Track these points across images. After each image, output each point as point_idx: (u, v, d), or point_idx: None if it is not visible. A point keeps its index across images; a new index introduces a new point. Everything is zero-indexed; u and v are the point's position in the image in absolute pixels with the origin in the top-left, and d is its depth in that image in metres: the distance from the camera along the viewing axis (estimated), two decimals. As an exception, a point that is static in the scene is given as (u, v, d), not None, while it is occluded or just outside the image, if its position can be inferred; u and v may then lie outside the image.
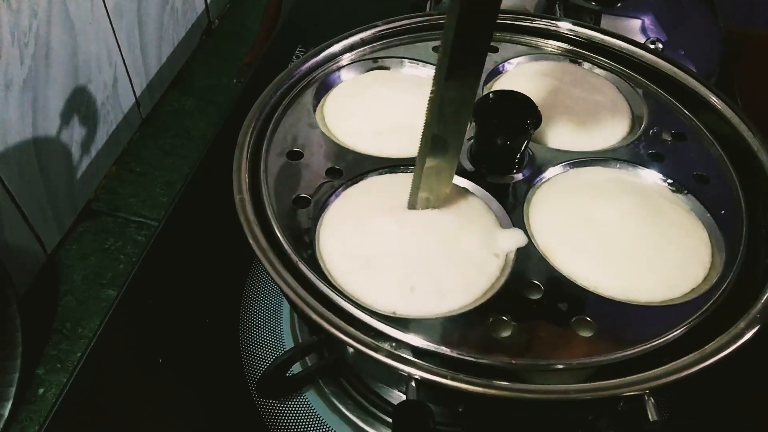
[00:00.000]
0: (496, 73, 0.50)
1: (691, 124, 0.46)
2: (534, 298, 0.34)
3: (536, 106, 0.39)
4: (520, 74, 0.49)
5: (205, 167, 0.64)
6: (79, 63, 0.68)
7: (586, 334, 0.33)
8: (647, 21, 0.70)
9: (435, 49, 0.50)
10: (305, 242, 0.37)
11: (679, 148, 0.44)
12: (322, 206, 0.39)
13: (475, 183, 0.40)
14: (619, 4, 0.69)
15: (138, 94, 0.81)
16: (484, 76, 0.48)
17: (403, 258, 0.36)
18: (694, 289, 0.36)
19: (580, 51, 0.52)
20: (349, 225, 0.37)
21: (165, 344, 0.51)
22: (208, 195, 0.63)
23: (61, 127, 0.67)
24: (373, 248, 0.36)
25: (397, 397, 0.48)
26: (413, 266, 0.35)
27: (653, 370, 0.30)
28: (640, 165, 0.43)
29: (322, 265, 0.36)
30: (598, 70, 0.51)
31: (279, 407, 0.48)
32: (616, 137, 0.45)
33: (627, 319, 0.34)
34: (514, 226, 0.38)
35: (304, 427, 0.47)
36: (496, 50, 0.51)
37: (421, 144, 0.36)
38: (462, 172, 0.41)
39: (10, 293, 0.57)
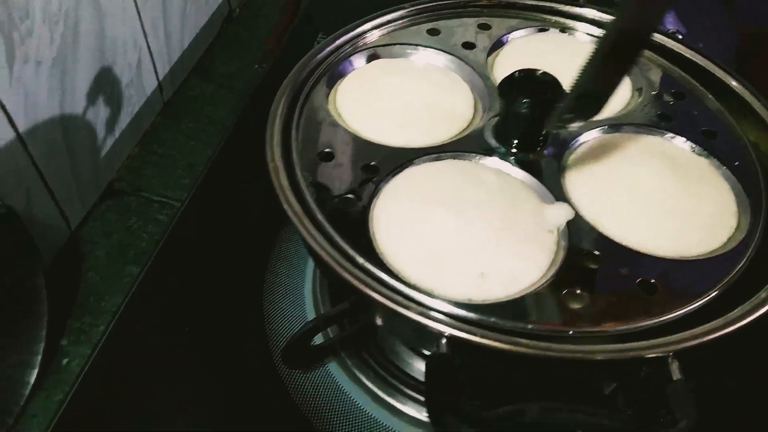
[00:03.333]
0: (499, 44, 0.51)
1: (689, 85, 0.49)
2: (596, 267, 0.36)
3: (561, 84, 0.40)
4: (517, 50, 0.51)
5: (229, 147, 0.66)
6: (105, 44, 0.69)
7: (652, 295, 0.35)
8: (667, 15, 0.71)
9: (429, 31, 0.51)
10: (364, 244, 0.37)
11: (683, 108, 0.47)
12: (369, 205, 0.39)
13: (508, 163, 0.41)
14: (638, -5, 0.70)
15: (161, 77, 0.82)
16: (485, 55, 0.50)
17: (467, 246, 0.36)
18: (731, 237, 0.38)
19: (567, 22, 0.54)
20: (405, 221, 0.38)
21: (190, 316, 0.53)
22: (233, 174, 0.64)
23: (87, 106, 0.69)
24: (437, 241, 0.37)
25: (417, 369, 0.49)
26: (478, 253, 0.36)
27: (677, 334, 0.31)
28: (654, 127, 0.45)
29: (388, 265, 0.36)
30: (580, 36, 0.53)
31: (302, 378, 0.49)
32: (622, 102, 0.47)
33: (685, 274, 0.36)
34: (557, 200, 0.39)
35: (327, 397, 0.48)
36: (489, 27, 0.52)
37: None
38: (492, 154, 0.42)
39: (38, 265, 0.58)
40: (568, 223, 0.38)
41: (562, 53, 0.50)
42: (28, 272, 0.58)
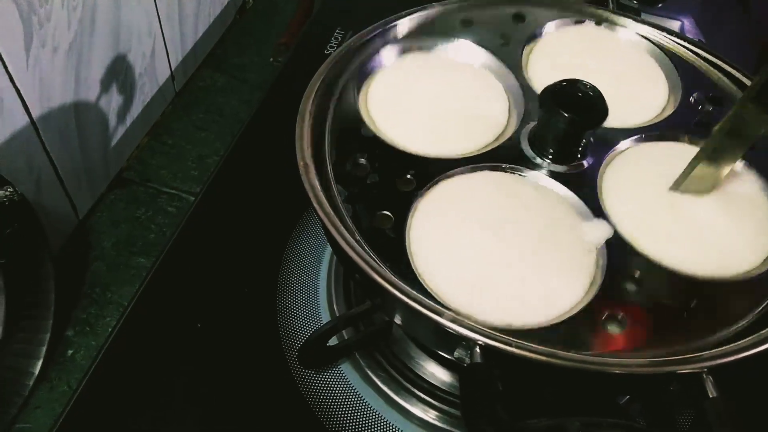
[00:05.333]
0: (530, 40, 0.50)
1: (727, 88, 0.48)
2: (635, 289, 0.35)
3: (603, 98, 0.39)
4: (552, 44, 0.50)
5: (244, 141, 0.65)
6: (121, 31, 0.68)
7: (692, 317, 0.34)
8: (687, 23, 0.71)
9: (463, 22, 0.50)
10: (403, 264, 0.36)
11: (721, 115, 0.44)
12: (405, 222, 0.38)
13: (545, 176, 0.41)
14: (660, 5, 0.70)
15: (173, 67, 0.81)
16: (520, 50, 0.49)
17: (506, 270, 0.36)
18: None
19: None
20: (443, 243, 0.37)
21: (203, 312, 0.52)
22: (247, 169, 0.63)
23: (100, 94, 0.68)
24: (477, 265, 0.36)
25: (430, 372, 0.48)
26: (518, 276, 0.35)
27: (711, 351, 0.31)
28: (692, 135, 0.44)
29: (426, 286, 0.35)
30: (627, 36, 0.51)
31: (315, 378, 0.48)
32: (658, 106, 0.46)
33: (723, 296, 0.35)
34: (594, 215, 0.38)
35: (339, 398, 0.48)
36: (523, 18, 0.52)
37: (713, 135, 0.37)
38: (527, 163, 0.42)
39: (46, 254, 0.57)
40: (606, 241, 0.37)
41: (598, 49, 0.49)
42: (37, 261, 0.57)
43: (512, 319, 0.34)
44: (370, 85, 0.47)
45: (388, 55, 0.48)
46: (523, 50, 0.49)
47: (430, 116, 0.44)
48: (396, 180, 0.40)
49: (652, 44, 0.51)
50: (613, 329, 0.33)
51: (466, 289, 0.35)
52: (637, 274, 0.36)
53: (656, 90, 0.48)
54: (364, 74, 0.46)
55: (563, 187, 0.40)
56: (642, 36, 0.51)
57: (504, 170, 0.41)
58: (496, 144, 0.43)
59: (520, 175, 0.41)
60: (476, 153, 0.42)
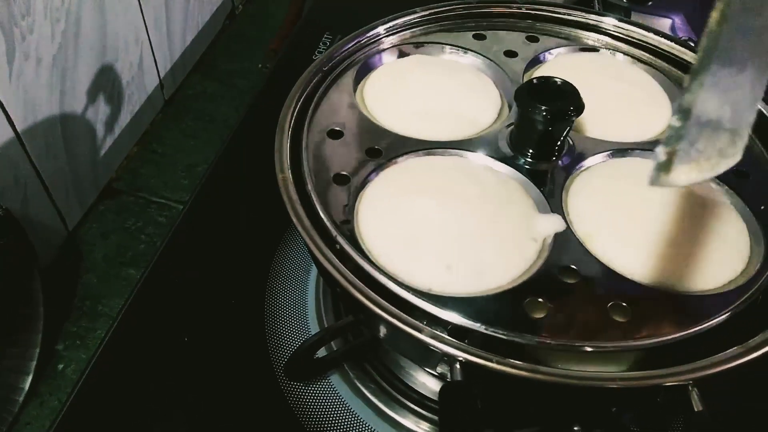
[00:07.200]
0: (536, 62, 0.50)
1: None
2: (570, 282, 0.34)
3: (579, 93, 0.39)
4: (560, 64, 0.50)
5: (232, 150, 0.64)
6: (107, 42, 0.68)
7: (621, 319, 0.33)
8: (677, 21, 0.70)
9: (476, 36, 0.51)
10: (344, 220, 0.37)
11: None
12: (361, 185, 0.39)
13: (513, 168, 0.41)
14: (650, 3, 0.69)
15: (162, 75, 0.81)
16: (524, 65, 0.49)
17: (441, 237, 0.36)
18: (732, 280, 0.36)
19: (620, 45, 0.52)
20: (389, 205, 0.38)
21: (190, 324, 0.51)
22: (235, 177, 0.63)
23: (87, 105, 0.67)
24: (413, 228, 0.36)
25: (420, 383, 0.48)
26: (451, 246, 0.35)
27: (698, 361, 0.30)
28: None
29: (361, 243, 0.36)
30: (637, 64, 0.51)
31: (303, 390, 0.48)
32: (655, 130, 0.45)
33: (663, 307, 0.34)
34: (552, 212, 0.38)
35: (328, 410, 0.47)
36: (537, 40, 0.51)
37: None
38: (501, 157, 0.41)
39: (35, 268, 0.57)
40: (558, 237, 0.37)
41: (605, 73, 0.49)
42: (24, 275, 0.56)
43: (434, 285, 0.34)
44: (370, 76, 0.48)
45: (390, 56, 0.50)
46: (526, 70, 0.48)
47: (419, 107, 0.45)
48: (366, 148, 0.41)
49: (663, 75, 0.50)
50: (536, 314, 0.33)
51: (398, 250, 0.35)
52: (577, 268, 0.35)
53: (656, 113, 0.47)
54: (366, 68, 0.48)
55: (528, 180, 0.40)
56: (654, 68, 0.51)
57: (472, 158, 0.41)
58: (474, 136, 0.43)
59: (487, 164, 0.41)
60: (452, 140, 0.42)
